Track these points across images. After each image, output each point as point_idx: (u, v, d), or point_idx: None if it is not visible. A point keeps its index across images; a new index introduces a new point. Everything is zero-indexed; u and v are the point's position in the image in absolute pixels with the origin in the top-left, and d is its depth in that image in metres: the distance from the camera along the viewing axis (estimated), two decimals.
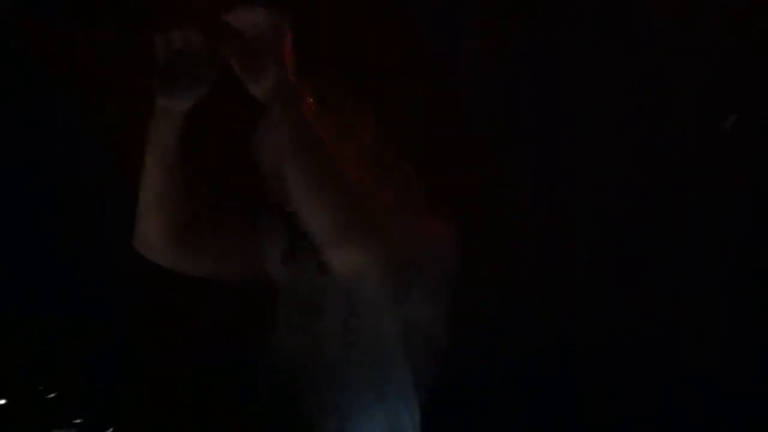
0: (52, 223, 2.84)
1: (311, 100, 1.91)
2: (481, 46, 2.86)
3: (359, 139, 2.02)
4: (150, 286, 2.76)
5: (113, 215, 2.28)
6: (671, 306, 2.87)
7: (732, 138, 2.83)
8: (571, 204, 2.93)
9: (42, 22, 2.73)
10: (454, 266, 2.01)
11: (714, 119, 2.85)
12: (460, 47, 2.86)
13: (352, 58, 2.77)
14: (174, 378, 2.86)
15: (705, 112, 2.86)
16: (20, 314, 2.75)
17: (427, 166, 2.12)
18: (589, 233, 2.92)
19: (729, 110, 2.84)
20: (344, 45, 2.78)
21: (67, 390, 2.63)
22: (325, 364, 1.98)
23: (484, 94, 2.85)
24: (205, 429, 2.80)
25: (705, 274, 2.86)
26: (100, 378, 2.79)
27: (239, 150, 2.10)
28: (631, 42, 2.84)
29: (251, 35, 1.81)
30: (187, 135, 2.01)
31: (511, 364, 2.81)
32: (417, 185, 2.07)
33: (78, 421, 2.57)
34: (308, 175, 1.81)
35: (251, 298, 2.25)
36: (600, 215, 2.89)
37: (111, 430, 2.60)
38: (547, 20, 2.86)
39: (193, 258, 2.12)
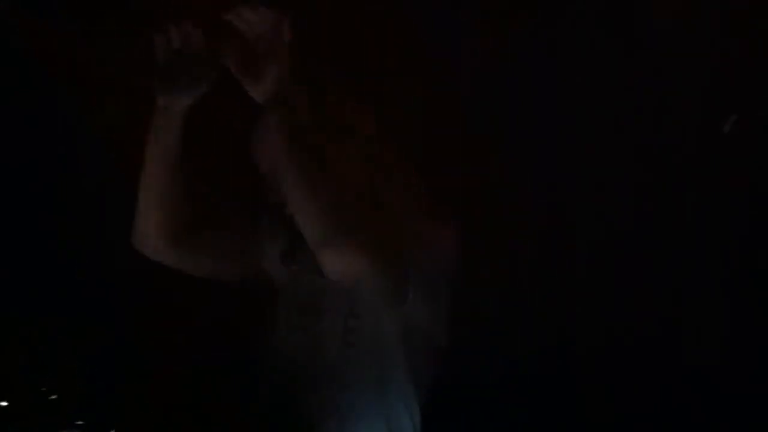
0: (52, 223, 2.84)
1: (311, 100, 1.90)
2: (481, 46, 2.86)
3: (359, 139, 2.02)
4: (150, 286, 2.76)
5: (113, 215, 2.28)
6: (671, 306, 2.87)
7: (732, 138, 2.83)
8: (571, 204, 2.93)
9: (42, 22, 2.73)
10: (454, 266, 2.01)
11: (714, 119, 2.85)
12: (460, 47, 2.86)
13: (352, 58, 2.77)
14: (174, 378, 2.86)
15: (705, 112, 2.85)
16: (20, 314, 2.75)
17: (427, 166, 2.12)
18: (589, 233, 2.92)
19: (729, 110, 2.83)
20: (344, 45, 2.78)
21: (69, 391, 2.63)
22: (324, 364, 1.98)
23: (484, 94, 2.85)
24: (205, 429, 2.80)
25: (705, 274, 2.86)
26: (100, 378, 2.79)
27: (239, 150, 2.10)
28: (631, 42, 2.84)
29: (251, 36, 1.81)
30: (188, 135, 2.01)
31: (511, 364, 2.81)
32: (417, 185, 2.07)
33: (80, 422, 2.57)
34: (302, 179, 1.81)
35: (251, 298, 2.25)
36: (600, 215, 2.89)
37: (113, 431, 2.60)
38: (547, 20, 2.86)
39: (193, 258, 2.12)
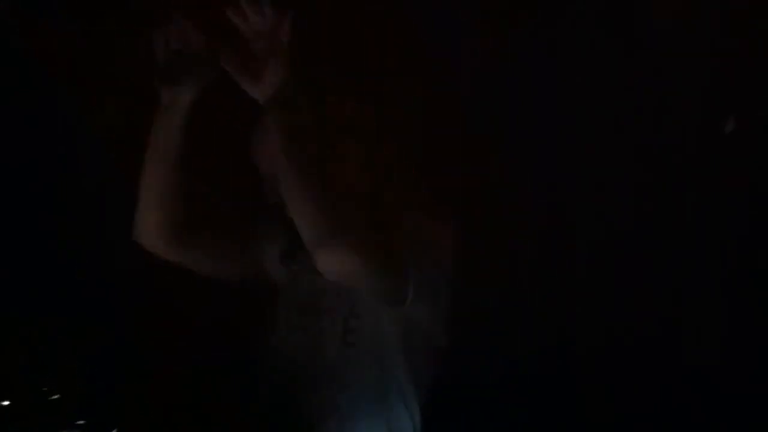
0: (52, 223, 2.84)
1: (311, 100, 1.90)
2: (481, 46, 2.86)
3: (359, 139, 2.02)
4: (150, 286, 2.77)
5: (113, 215, 2.28)
6: (671, 306, 2.87)
7: (732, 138, 2.83)
8: (571, 204, 2.93)
9: (42, 22, 2.73)
10: (454, 266, 2.01)
11: (714, 119, 2.85)
12: (460, 47, 2.86)
13: (352, 58, 2.77)
14: (174, 378, 2.86)
15: (705, 112, 2.85)
16: (20, 314, 2.75)
17: (427, 166, 2.12)
18: (589, 233, 2.92)
19: (729, 110, 2.83)
20: (344, 45, 2.78)
21: (70, 391, 2.63)
22: (324, 364, 1.98)
23: (484, 94, 2.85)
24: (205, 429, 2.80)
25: (705, 274, 2.86)
26: (101, 379, 2.79)
27: (239, 150, 2.10)
28: (631, 42, 2.84)
29: (251, 35, 1.81)
30: (188, 135, 2.01)
31: (511, 364, 2.81)
32: (417, 185, 2.07)
33: (81, 422, 2.57)
34: (300, 179, 1.81)
35: (251, 298, 2.25)
36: (600, 215, 2.89)
37: (115, 431, 2.60)
38: (547, 20, 2.86)
39: (192, 257, 2.12)
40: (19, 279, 2.80)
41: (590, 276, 2.89)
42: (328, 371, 1.97)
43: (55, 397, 2.59)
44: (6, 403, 2.53)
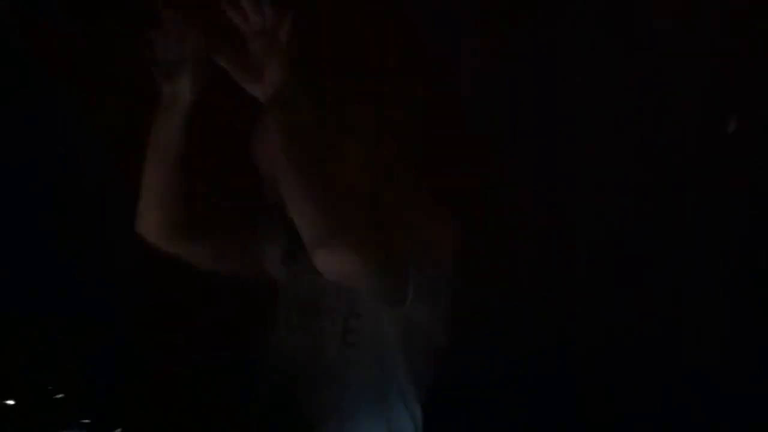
0: (52, 223, 2.85)
1: (311, 100, 1.90)
2: (481, 46, 2.86)
3: (359, 139, 2.02)
4: (150, 286, 2.77)
5: (113, 215, 2.28)
6: (671, 306, 2.87)
7: (732, 138, 2.83)
8: (571, 204, 2.93)
9: (42, 22, 2.73)
10: (454, 266, 2.01)
11: (714, 119, 2.85)
12: (460, 47, 2.86)
13: (352, 58, 2.77)
14: (174, 378, 2.86)
15: (705, 112, 2.85)
16: (21, 314, 2.75)
17: (427, 166, 2.12)
18: (589, 233, 2.92)
19: (729, 110, 2.83)
20: (344, 45, 2.78)
21: (75, 390, 2.63)
22: (324, 364, 1.98)
23: (484, 94, 2.85)
24: (205, 429, 2.80)
25: (705, 274, 2.86)
26: (104, 378, 2.79)
27: (239, 150, 2.10)
28: (631, 42, 2.84)
29: (250, 34, 1.81)
30: (188, 134, 2.01)
31: (511, 364, 2.81)
32: (417, 185, 2.07)
33: (86, 421, 2.57)
34: (300, 179, 1.81)
35: (251, 298, 2.25)
36: (600, 215, 2.89)
37: (119, 430, 2.61)
38: (547, 20, 2.86)
39: (193, 257, 2.12)
40: (20, 279, 2.80)
41: (590, 276, 2.89)
42: (328, 371, 1.97)
43: (59, 396, 2.60)
44: (10, 402, 2.53)
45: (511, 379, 2.81)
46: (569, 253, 2.92)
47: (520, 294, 2.85)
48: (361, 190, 2.00)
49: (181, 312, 2.87)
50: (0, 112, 2.76)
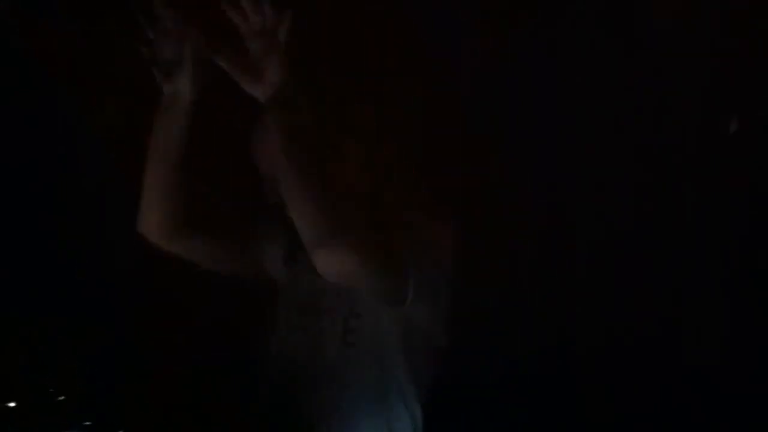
0: (52, 223, 2.85)
1: (311, 100, 1.90)
2: (481, 46, 2.86)
3: (359, 139, 2.02)
4: (150, 286, 2.77)
5: (113, 215, 2.28)
6: (671, 306, 2.87)
7: (732, 138, 2.83)
8: (571, 204, 2.93)
9: (42, 22, 2.74)
10: (454, 266, 2.01)
11: (714, 119, 2.85)
12: (460, 47, 2.86)
13: (352, 58, 2.77)
14: (174, 378, 2.86)
15: (705, 112, 2.86)
16: (21, 314, 2.75)
17: (427, 166, 2.12)
18: (589, 233, 2.92)
19: (729, 110, 2.84)
20: (344, 45, 2.78)
21: (76, 392, 2.63)
22: (324, 364, 1.98)
23: (484, 94, 2.85)
24: (205, 429, 2.80)
25: (705, 274, 2.86)
26: (106, 379, 2.80)
27: (240, 150, 2.10)
28: (631, 42, 2.84)
29: (250, 34, 1.81)
30: (189, 134, 2.01)
31: (511, 364, 2.81)
32: (417, 185, 2.07)
33: (87, 423, 2.57)
34: (300, 180, 1.81)
35: (251, 298, 2.25)
36: (600, 215, 2.89)
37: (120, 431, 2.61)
38: (547, 20, 2.86)
39: (192, 256, 2.13)
40: (20, 279, 2.80)
41: (590, 276, 2.89)
42: (328, 371, 1.97)
43: (61, 398, 2.60)
44: (12, 404, 2.54)
45: (511, 379, 2.81)
46: (569, 253, 2.92)
47: (520, 294, 2.85)
48: (361, 190, 2.00)
49: (181, 312, 2.87)
50: (0, 112, 2.76)
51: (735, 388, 2.76)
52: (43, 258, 2.84)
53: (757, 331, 2.77)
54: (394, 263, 1.88)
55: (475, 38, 2.86)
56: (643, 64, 2.84)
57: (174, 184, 2.02)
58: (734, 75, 2.80)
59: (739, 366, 2.77)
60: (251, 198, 2.11)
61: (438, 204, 2.06)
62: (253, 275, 2.17)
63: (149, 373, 2.88)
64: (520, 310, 2.84)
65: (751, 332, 2.78)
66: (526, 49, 2.86)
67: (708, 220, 2.84)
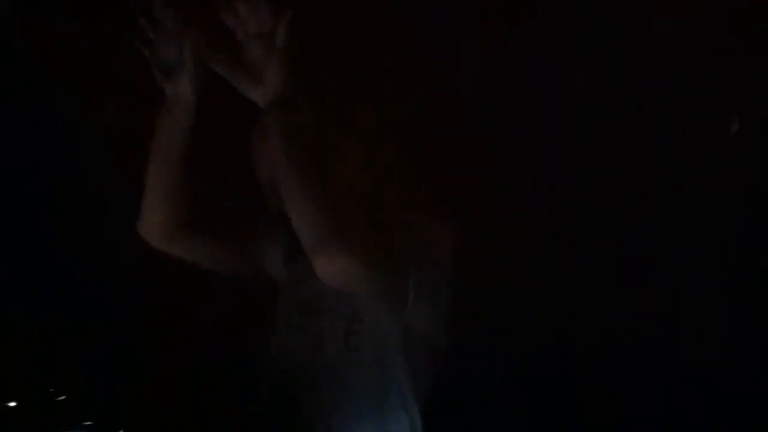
0: (52, 223, 2.85)
1: (311, 101, 1.90)
2: (481, 46, 2.86)
3: (359, 139, 2.02)
4: (150, 286, 2.77)
5: (113, 215, 2.28)
6: (671, 306, 2.87)
7: (732, 138, 2.83)
8: (571, 204, 2.93)
9: (42, 22, 2.74)
10: (454, 266, 2.00)
11: (714, 119, 2.85)
12: (460, 47, 2.86)
13: (352, 58, 2.77)
14: (174, 378, 2.86)
15: (705, 112, 2.85)
16: (21, 314, 2.75)
17: (427, 166, 2.12)
18: (589, 233, 2.92)
19: (729, 110, 2.83)
20: (344, 45, 2.78)
21: (77, 392, 2.64)
22: (324, 365, 1.98)
23: (484, 94, 2.85)
24: (205, 429, 2.80)
25: (705, 274, 2.86)
26: (106, 379, 2.80)
27: (240, 151, 2.10)
28: (631, 42, 2.84)
29: (246, 36, 1.81)
30: (190, 135, 2.01)
31: (511, 364, 2.81)
32: (417, 185, 2.07)
33: (88, 423, 2.57)
34: (299, 182, 1.81)
35: (251, 298, 2.25)
36: (600, 215, 2.89)
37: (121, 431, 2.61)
38: (547, 20, 2.86)
39: (192, 256, 2.13)
40: (20, 279, 2.80)
41: (590, 276, 2.89)
42: (328, 371, 1.97)
43: (61, 398, 2.60)
44: (12, 404, 2.54)
45: (511, 380, 2.81)
46: (569, 254, 2.92)
47: (520, 294, 2.84)
48: (361, 191, 1.99)
49: (181, 312, 2.86)
50: (0, 112, 2.76)
51: (735, 388, 2.76)
52: (43, 258, 2.84)
53: (757, 331, 2.77)
54: (394, 264, 1.88)
55: (475, 38, 2.86)
56: (643, 64, 2.84)
57: (175, 184, 2.02)
58: (734, 75, 2.79)
59: (739, 366, 2.77)
60: (251, 198, 2.11)
61: (438, 204, 2.06)
62: (253, 275, 2.17)
63: (149, 373, 2.87)
64: (520, 311, 2.84)
65: (751, 332, 2.78)
66: (526, 49, 2.86)
67: (708, 220, 2.84)
